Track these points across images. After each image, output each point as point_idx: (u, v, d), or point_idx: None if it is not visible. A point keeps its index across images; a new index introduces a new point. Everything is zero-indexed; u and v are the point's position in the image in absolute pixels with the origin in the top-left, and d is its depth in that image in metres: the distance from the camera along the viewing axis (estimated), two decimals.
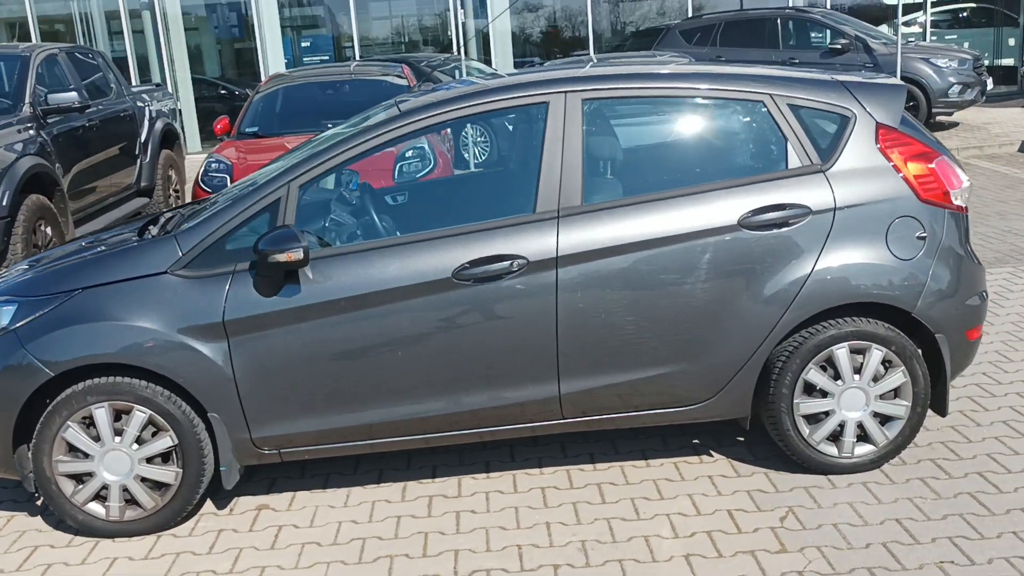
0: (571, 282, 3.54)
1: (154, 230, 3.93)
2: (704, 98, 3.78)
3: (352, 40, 17.59)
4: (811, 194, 3.62)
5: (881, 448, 3.78)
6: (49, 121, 7.91)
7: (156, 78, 17.92)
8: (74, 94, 7.97)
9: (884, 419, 3.78)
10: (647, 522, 3.54)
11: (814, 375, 3.70)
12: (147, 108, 10.25)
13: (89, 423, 3.53)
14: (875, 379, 3.72)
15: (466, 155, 6.78)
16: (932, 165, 3.72)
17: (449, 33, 13.73)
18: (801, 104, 3.72)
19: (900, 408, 3.75)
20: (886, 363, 3.72)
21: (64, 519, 3.64)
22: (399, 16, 18.84)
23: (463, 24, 13.18)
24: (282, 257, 3.35)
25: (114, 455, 3.55)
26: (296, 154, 3.87)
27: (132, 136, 9.72)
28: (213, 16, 20.21)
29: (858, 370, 3.71)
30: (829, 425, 3.75)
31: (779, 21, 14.01)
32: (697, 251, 3.57)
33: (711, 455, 4.04)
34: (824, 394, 3.72)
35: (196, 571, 3.39)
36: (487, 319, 3.55)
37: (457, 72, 12.35)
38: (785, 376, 3.69)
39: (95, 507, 3.61)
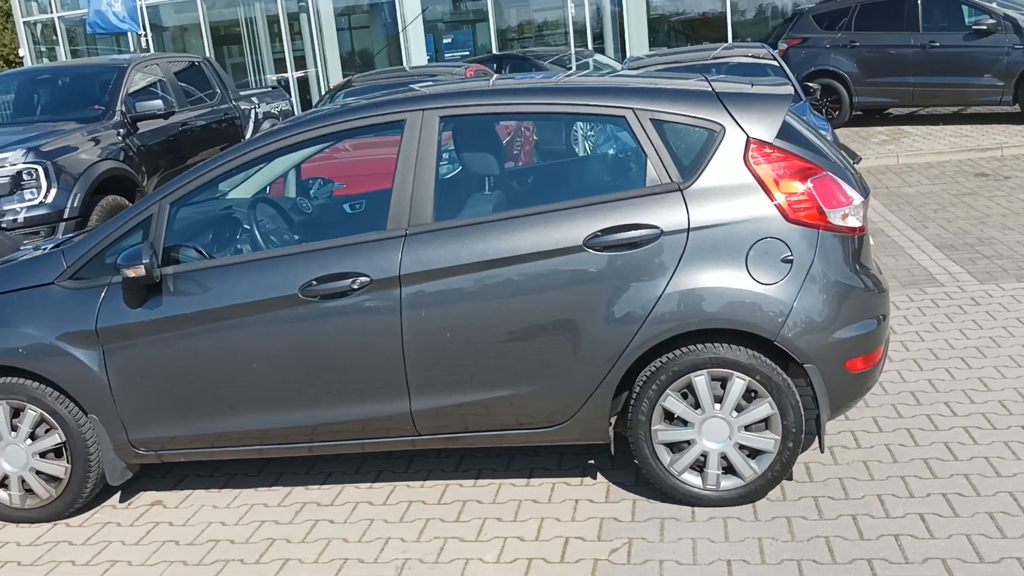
0: (415, 300, 3.55)
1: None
2: (565, 114, 3.66)
3: (490, 35, 17.87)
4: (664, 214, 3.45)
5: (749, 482, 3.56)
6: (139, 127, 8.60)
7: (312, 76, 18.94)
8: (159, 102, 8.63)
9: (754, 452, 3.56)
10: (482, 544, 3.52)
11: (672, 402, 3.53)
12: (253, 110, 10.92)
13: None
14: (738, 409, 3.51)
15: None
16: (808, 182, 3.44)
17: (583, 25, 13.69)
18: (665, 119, 3.54)
19: (768, 442, 3.52)
20: (751, 393, 3.50)
21: None
22: (539, 10, 18.93)
23: (572, 17, 13.09)
24: (130, 273, 3.56)
25: (11, 448, 3.91)
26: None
27: (234, 138, 10.38)
28: (380, 15, 21.11)
29: (720, 399, 3.51)
30: (690, 455, 3.57)
31: (919, 1, 13.01)
32: (541, 272, 3.49)
33: (595, 478, 3.94)
34: (685, 423, 3.55)
35: (59, 560, 3.69)
36: (334, 335, 3.62)
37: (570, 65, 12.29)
38: (642, 402, 3.54)
39: (0, 494, 3.98)
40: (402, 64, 17.71)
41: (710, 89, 3.63)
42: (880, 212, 8.51)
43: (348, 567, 3.45)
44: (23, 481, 3.95)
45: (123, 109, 8.53)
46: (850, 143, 12.17)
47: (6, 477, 3.96)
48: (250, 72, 19.32)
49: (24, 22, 20.28)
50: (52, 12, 20.24)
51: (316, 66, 18.75)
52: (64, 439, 3.86)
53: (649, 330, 3.44)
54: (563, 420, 3.62)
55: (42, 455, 3.91)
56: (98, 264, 3.81)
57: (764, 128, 3.51)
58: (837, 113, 13.49)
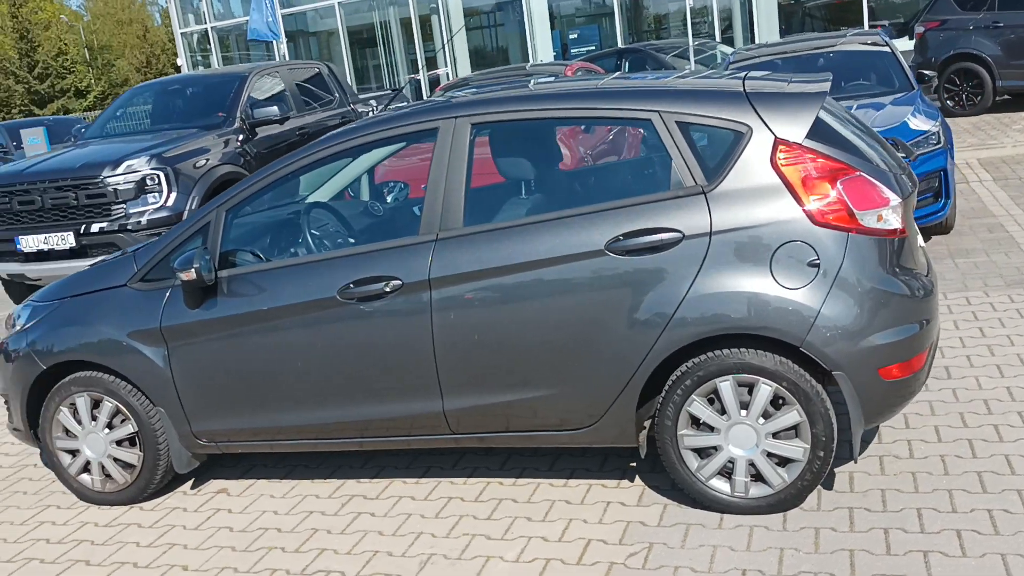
0: (444, 303, 3.65)
1: None
2: (594, 118, 3.67)
3: (615, 29, 17.77)
4: (687, 218, 3.42)
5: (778, 490, 3.48)
6: (257, 132, 9.07)
7: (442, 75, 19.34)
8: (275, 108, 9.06)
9: (783, 460, 3.48)
10: (507, 542, 3.58)
11: (698, 408, 3.49)
12: (371, 113, 11.29)
13: (75, 409, 4.26)
14: (765, 416, 3.44)
15: None
16: (839, 183, 3.33)
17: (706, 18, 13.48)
18: (692, 121, 3.50)
19: (797, 450, 3.43)
20: (779, 400, 3.42)
21: (66, 486, 4.42)
22: (667, 0, 18.67)
23: (690, 8, 12.84)
24: (183, 276, 3.81)
25: (92, 436, 4.25)
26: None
27: None
28: (507, 12, 21.35)
29: (747, 405, 3.45)
30: (717, 461, 3.53)
31: None
32: (564, 276, 3.52)
33: (631, 480, 3.93)
34: (711, 428, 3.51)
35: (126, 541, 3.99)
36: (371, 336, 3.76)
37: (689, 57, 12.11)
38: (668, 407, 3.53)
39: (85, 478, 4.34)
40: (528, 60, 17.86)
41: (740, 89, 3.56)
42: (1004, 205, 8.02)
43: (376, 559, 3.59)
44: (103, 467, 4.29)
45: (242, 116, 9.01)
46: (989, 130, 11.50)
47: (88, 463, 4.31)
48: (384, 74, 19.92)
49: (181, 33, 21.60)
50: (206, 23, 21.46)
51: (447, 65, 19.15)
52: (136, 429, 4.17)
53: (671, 334, 3.42)
54: (591, 423, 3.64)
55: (118, 443, 4.23)
56: (164, 267, 4.09)
57: (793, 128, 3.42)
58: (979, 99, 12.76)
